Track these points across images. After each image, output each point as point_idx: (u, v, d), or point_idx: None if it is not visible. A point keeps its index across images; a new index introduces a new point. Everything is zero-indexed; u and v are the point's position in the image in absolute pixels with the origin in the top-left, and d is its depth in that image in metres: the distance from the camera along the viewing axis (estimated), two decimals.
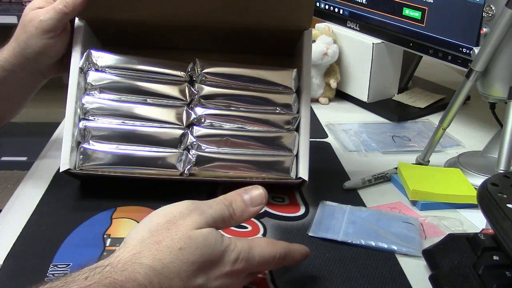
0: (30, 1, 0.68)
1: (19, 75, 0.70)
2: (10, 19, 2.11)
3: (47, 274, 0.54)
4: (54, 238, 0.59)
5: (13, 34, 0.68)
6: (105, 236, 0.60)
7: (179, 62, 0.69)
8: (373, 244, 0.61)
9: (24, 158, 2.28)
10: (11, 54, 0.68)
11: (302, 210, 0.68)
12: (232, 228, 0.62)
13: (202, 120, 0.67)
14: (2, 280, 0.53)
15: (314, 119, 0.96)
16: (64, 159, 0.65)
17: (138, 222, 0.62)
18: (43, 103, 1.55)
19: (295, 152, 0.68)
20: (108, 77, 0.67)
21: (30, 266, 0.55)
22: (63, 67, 0.71)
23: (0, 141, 2.33)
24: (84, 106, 0.66)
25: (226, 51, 0.73)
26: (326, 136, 0.91)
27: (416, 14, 0.90)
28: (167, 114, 0.67)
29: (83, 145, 0.65)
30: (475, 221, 0.67)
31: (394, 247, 0.60)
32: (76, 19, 0.69)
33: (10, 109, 0.76)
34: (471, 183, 0.73)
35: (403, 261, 0.59)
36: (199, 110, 0.67)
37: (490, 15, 0.69)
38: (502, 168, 0.67)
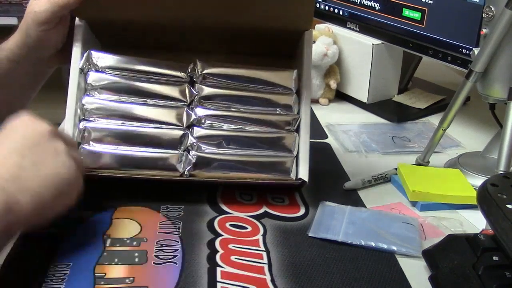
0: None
1: (25, 66, 0.70)
2: (10, 20, 2.11)
3: (47, 274, 0.54)
4: (54, 239, 0.59)
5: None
6: (105, 236, 0.60)
7: (179, 63, 0.69)
8: (373, 244, 0.61)
9: None
10: (15, 45, 0.69)
11: (302, 211, 0.68)
12: (232, 228, 0.62)
13: (202, 121, 0.67)
14: (2, 280, 0.53)
15: (314, 120, 0.96)
16: None
17: (138, 222, 0.63)
18: (43, 103, 1.54)
19: (295, 153, 0.68)
20: (108, 78, 0.67)
21: (30, 266, 0.55)
22: (66, 57, 0.70)
23: None
24: (84, 106, 0.66)
25: (227, 51, 0.73)
26: (326, 137, 0.91)
27: (416, 15, 0.90)
28: (167, 115, 0.67)
29: (83, 146, 0.65)
30: (475, 222, 0.68)
31: (394, 248, 0.60)
32: (76, 20, 0.69)
33: (20, 99, 0.76)
34: (471, 183, 0.73)
35: (403, 262, 0.59)
36: (199, 111, 0.67)
37: (490, 16, 0.70)
38: (502, 168, 0.67)
